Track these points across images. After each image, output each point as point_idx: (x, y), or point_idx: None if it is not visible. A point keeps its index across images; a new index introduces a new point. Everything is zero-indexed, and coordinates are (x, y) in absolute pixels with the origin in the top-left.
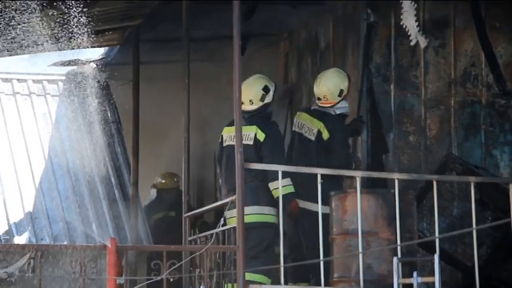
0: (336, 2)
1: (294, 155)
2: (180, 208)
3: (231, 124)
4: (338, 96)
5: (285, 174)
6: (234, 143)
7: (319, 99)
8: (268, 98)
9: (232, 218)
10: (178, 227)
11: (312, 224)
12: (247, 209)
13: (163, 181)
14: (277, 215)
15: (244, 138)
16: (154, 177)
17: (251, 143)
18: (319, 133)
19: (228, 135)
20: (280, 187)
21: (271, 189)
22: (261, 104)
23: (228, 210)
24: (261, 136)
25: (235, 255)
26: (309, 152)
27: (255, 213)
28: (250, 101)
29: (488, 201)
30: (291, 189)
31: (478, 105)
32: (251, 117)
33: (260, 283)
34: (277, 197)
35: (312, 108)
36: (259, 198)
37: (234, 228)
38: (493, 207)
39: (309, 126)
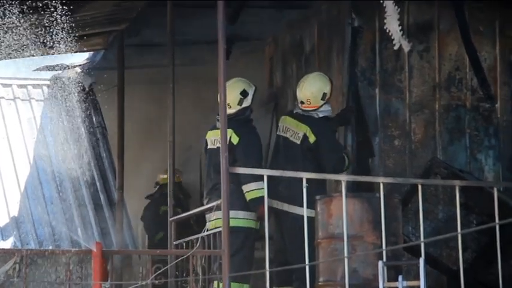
0: (320, 6)
1: (279, 159)
2: (185, 204)
3: (213, 128)
4: (321, 99)
5: (258, 177)
6: (214, 146)
7: (302, 102)
8: (247, 102)
9: (210, 221)
10: (184, 223)
11: (297, 228)
12: (219, 214)
13: (165, 176)
14: (253, 219)
15: (219, 142)
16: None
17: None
18: (305, 137)
19: (210, 139)
20: (265, 192)
21: (244, 192)
22: (238, 107)
23: (206, 214)
24: (235, 139)
25: (220, 259)
26: (294, 155)
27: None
28: (228, 104)
29: (473, 205)
30: (263, 192)
31: (463, 109)
32: (228, 121)
33: None
34: (250, 200)
35: (295, 112)
36: (232, 202)
37: (219, 232)
38: (478, 211)
39: (294, 130)
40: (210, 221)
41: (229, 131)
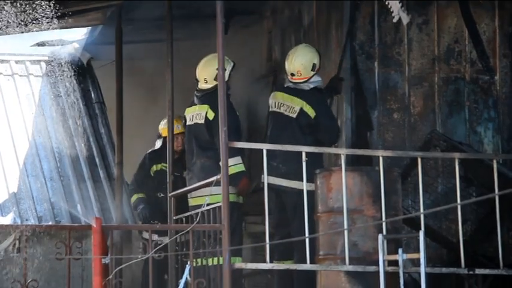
0: None
1: (273, 135)
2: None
3: (192, 104)
4: (311, 70)
5: (235, 153)
6: (192, 122)
7: (292, 75)
8: None
9: (193, 198)
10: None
11: (296, 202)
12: (203, 191)
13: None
14: (235, 193)
15: (197, 118)
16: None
17: (202, 121)
18: (302, 111)
19: (189, 115)
20: (265, 166)
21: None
22: (215, 83)
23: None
24: (211, 115)
25: (220, 234)
26: (290, 130)
27: (204, 195)
28: (204, 79)
29: (472, 178)
30: (242, 167)
31: (462, 82)
32: (205, 96)
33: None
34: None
35: (286, 86)
36: (209, 178)
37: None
38: (478, 184)
39: (289, 104)
40: (191, 197)
41: (205, 107)
